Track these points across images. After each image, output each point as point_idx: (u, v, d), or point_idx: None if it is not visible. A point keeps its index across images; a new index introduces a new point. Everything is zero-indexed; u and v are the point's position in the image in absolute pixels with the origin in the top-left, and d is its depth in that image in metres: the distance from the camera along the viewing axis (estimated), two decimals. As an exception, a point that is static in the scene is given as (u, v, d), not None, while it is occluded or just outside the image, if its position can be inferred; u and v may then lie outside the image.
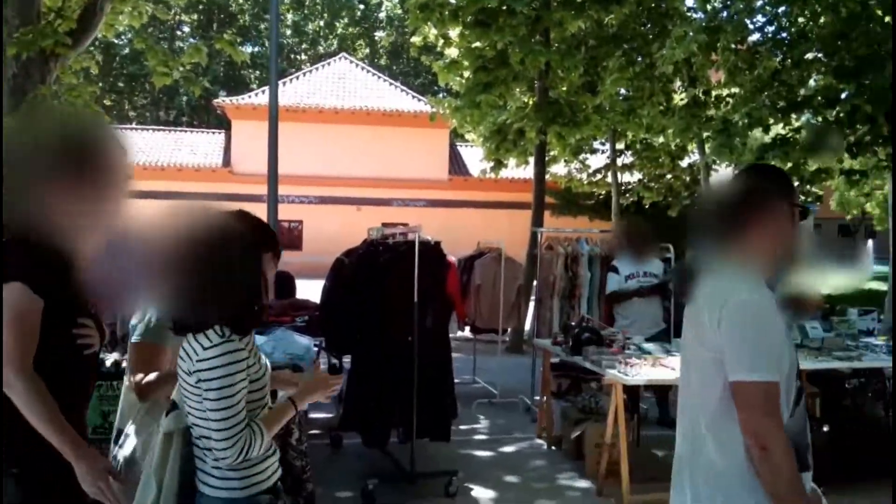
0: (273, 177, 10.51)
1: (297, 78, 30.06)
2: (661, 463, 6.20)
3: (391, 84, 30.39)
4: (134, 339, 2.81)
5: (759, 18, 11.56)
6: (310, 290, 7.74)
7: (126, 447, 2.61)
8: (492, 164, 12.54)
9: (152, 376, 2.71)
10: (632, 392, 6.24)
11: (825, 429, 5.41)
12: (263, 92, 25.14)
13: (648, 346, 6.01)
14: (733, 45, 11.17)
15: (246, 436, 2.18)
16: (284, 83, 27.88)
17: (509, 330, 10.43)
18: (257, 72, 41.46)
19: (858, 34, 10.10)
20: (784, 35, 11.08)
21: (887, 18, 10.33)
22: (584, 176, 17.07)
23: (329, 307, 6.23)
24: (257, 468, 2.29)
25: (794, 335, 5.93)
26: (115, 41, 32.11)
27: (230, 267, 2.22)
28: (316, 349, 5.81)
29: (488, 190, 25.53)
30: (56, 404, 2.19)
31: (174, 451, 2.29)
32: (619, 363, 5.36)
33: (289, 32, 44.12)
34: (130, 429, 2.65)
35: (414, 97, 28.40)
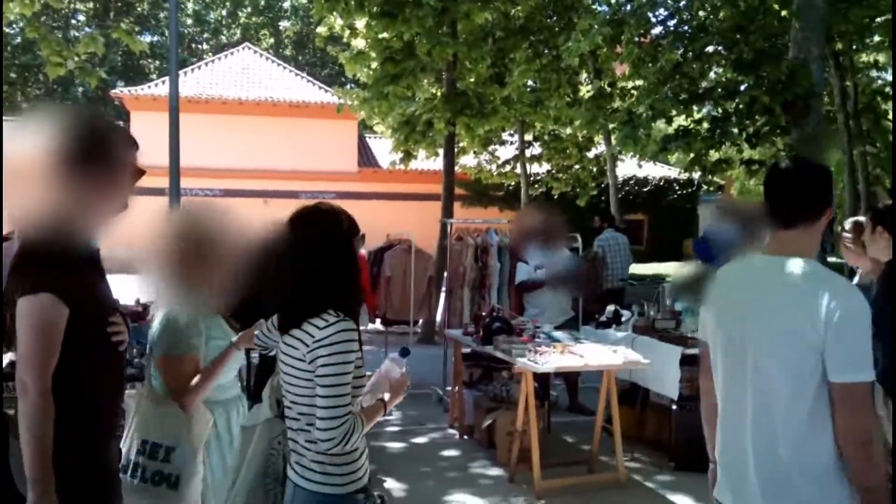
0: (175, 170, 10.19)
1: (199, 68, 29.22)
2: (571, 449, 6.29)
3: (297, 75, 29.88)
4: (167, 352, 2.80)
5: (662, 12, 11.82)
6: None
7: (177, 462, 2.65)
8: (401, 155, 12.44)
9: (195, 387, 2.76)
10: (542, 380, 6.29)
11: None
12: (164, 82, 24.34)
13: (557, 334, 6.06)
14: (636, 38, 11.39)
15: (350, 422, 2.17)
16: (185, 73, 27.06)
17: (421, 321, 10.39)
18: (157, 62, 40.13)
19: (756, 28, 10.44)
20: (685, 28, 11.34)
21: (784, 12, 10.72)
22: (494, 167, 17.15)
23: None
24: (356, 464, 2.28)
25: (696, 320, 6.09)
26: (7, 30, 30.50)
27: (344, 254, 2.34)
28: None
29: (398, 182, 25.40)
30: (51, 436, 2.10)
31: (254, 445, 2.40)
32: (529, 352, 5.39)
33: (189, 21, 42.86)
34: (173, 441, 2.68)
35: (321, 88, 28.01)
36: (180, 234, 2.68)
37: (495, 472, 5.75)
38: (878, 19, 15.44)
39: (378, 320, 8.79)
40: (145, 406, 2.77)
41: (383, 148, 21.44)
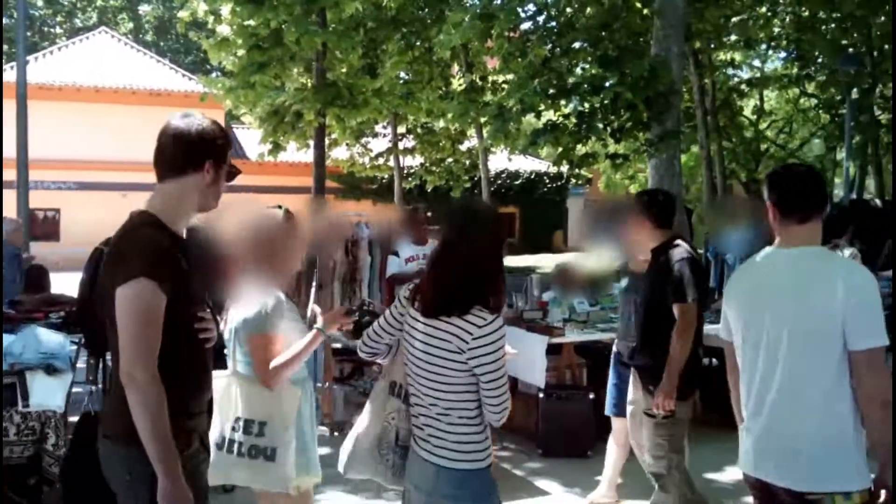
0: (23, 161, 9.56)
1: (52, 53, 27.60)
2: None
3: (158, 61, 28.68)
4: (255, 331, 2.92)
5: (531, 7, 12.03)
6: (69, 284, 7.08)
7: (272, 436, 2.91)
8: (269, 146, 12.12)
9: (281, 363, 2.91)
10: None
11: (591, 396, 5.70)
12: (11, 68, 22.81)
13: (428, 326, 6.03)
14: (507, 33, 11.55)
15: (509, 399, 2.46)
16: (36, 59, 25.52)
17: (292, 317, 10.13)
18: (4, 46, 37.55)
19: (620, 26, 10.78)
20: (553, 24, 11.58)
21: (646, 11, 11.10)
22: (367, 160, 17.02)
23: (87, 302, 5.69)
24: (488, 441, 2.50)
25: (562, 310, 6.22)
26: None
27: (500, 254, 2.55)
28: (74, 347, 5.31)
29: (267, 174, 24.75)
30: (167, 415, 2.15)
31: (373, 417, 2.63)
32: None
33: (40, 3, 40.31)
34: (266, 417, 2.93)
35: (184, 76, 26.98)
36: (269, 230, 3.01)
37: (367, 468, 5.69)
38: (734, 19, 16.34)
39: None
40: (235, 386, 2.97)
41: (252, 139, 20.88)
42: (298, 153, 13.79)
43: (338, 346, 6.77)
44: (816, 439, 2.44)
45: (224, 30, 11.50)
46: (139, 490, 2.21)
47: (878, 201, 18.94)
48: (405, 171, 17.55)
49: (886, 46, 17.40)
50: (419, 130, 16.47)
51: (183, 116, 2.45)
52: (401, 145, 16.83)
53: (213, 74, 13.91)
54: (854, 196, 21.00)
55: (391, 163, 16.92)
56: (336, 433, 6.46)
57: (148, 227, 2.24)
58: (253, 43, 10.74)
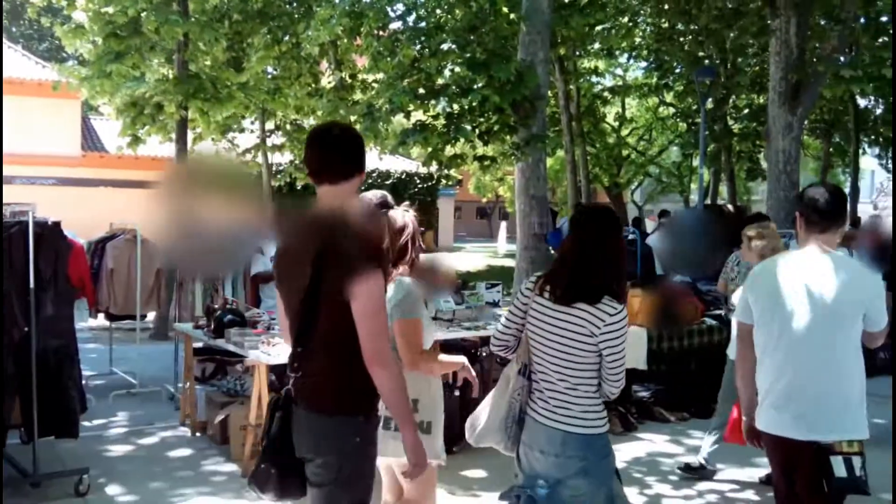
0: None
1: None
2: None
3: (10, 47, 26.88)
4: (404, 316, 3.10)
5: (400, 7, 12.04)
6: None
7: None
8: (129, 139, 11.56)
9: (431, 355, 3.27)
10: (280, 372, 6.17)
11: (456, 393, 5.74)
12: None
13: (294, 325, 5.95)
14: (375, 32, 11.51)
15: None
16: None
17: (154, 316, 9.80)
18: None
19: (488, 29, 10.96)
20: (422, 25, 11.63)
21: (513, 16, 11.34)
22: (234, 155, 16.52)
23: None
24: (605, 410, 2.93)
25: (430, 308, 6.25)
26: None
27: (622, 251, 2.97)
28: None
29: (128, 168, 23.65)
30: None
31: (510, 390, 2.97)
32: (263, 343, 5.27)
33: None
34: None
35: (38, 63, 25.40)
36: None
37: (229, 468, 5.55)
38: (598, 28, 16.94)
39: (101, 315, 8.12)
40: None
41: (111, 131, 19.88)
42: (161, 147, 13.23)
43: (199, 345, 6.55)
44: (841, 398, 3.16)
45: (79, 16, 10.89)
46: (337, 450, 2.55)
47: (730, 206, 20.14)
48: (274, 168, 17.17)
49: (739, 59, 18.52)
50: (288, 127, 16.13)
51: (334, 126, 2.92)
52: (269, 142, 16.44)
53: (71, 63, 13.13)
54: (708, 201, 22.26)
55: (259, 159, 16.50)
56: (198, 433, 6.28)
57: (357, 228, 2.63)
58: (110, 31, 10.20)
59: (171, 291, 8.18)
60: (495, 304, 7.00)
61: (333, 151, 2.66)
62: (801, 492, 3.23)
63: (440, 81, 11.46)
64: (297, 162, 16.70)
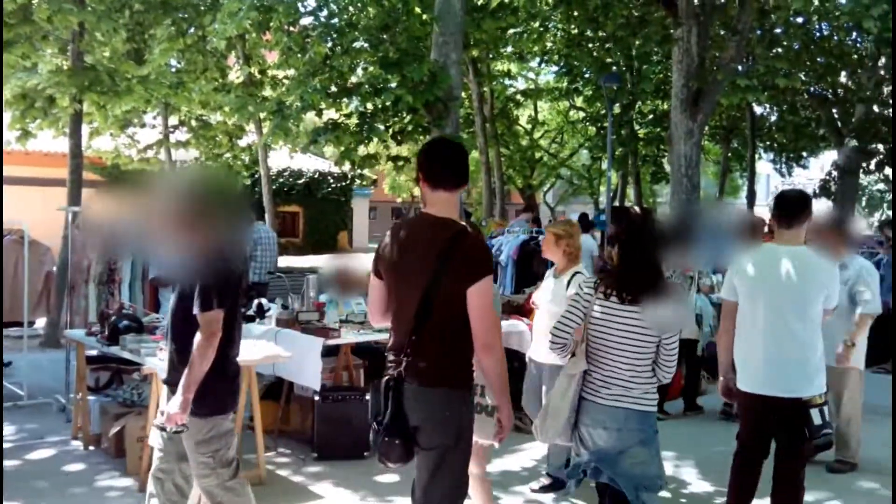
0: None
1: None
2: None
3: None
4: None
5: (311, 2, 11.78)
6: None
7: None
8: (17, 133, 10.88)
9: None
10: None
11: (367, 396, 5.64)
12: None
13: (197, 330, 5.71)
14: (286, 27, 11.24)
15: None
16: None
17: (44, 322, 9.28)
18: None
19: (402, 29, 10.84)
20: (335, 22, 11.42)
21: (425, 16, 11.25)
22: (134, 152, 15.85)
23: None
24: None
25: (340, 311, 6.10)
26: None
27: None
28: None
29: (17, 164, 22.47)
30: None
31: (574, 386, 3.41)
32: (161, 350, 4.97)
33: None
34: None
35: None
36: None
37: (125, 482, 5.27)
38: (510, 31, 17.04)
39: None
40: None
41: None
42: (55, 142, 12.56)
43: (92, 352, 6.20)
44: (811, 363, 4.02)
45: (-37, 1, 10.20)
46: (449, 420, 2.99)
47: (636, 208, 20.57)
48: (178, 166, 16.57)
49: (645, 66, 18.95)
50: (193, 123, 15.58)
51: (447, 142, 3.37)
52: (173, 138, 15.85)
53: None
54: (616, 203, 22.75)
55: (162, 156, 15.88)
56: (91, 447, 5.93)
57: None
58: (-5, 18, 9.58)
59: (63, 296, 7.72)
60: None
61: (449, 165, 3.11)
62: (782, 444, 4.09)
63: (353, 80, 11.28)
64: (202, 159, 16.17)
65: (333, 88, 10.81)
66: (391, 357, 3.08)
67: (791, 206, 4.07)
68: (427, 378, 2.97)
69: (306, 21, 11.78)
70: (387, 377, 3.02)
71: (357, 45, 10.93)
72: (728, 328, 4.23)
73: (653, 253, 3.42)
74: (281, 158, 22.07)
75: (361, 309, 6.08)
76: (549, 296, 5.08)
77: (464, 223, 3.08)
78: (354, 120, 10.86)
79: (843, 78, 17.80)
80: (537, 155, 27.54)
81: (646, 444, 3.35)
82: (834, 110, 17.84)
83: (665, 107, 18.39)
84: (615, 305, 3.36)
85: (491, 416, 3.49)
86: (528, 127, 27.65)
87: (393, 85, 10.29)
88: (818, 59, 16.41)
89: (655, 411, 3.44)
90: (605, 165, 20.61)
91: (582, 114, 24.59)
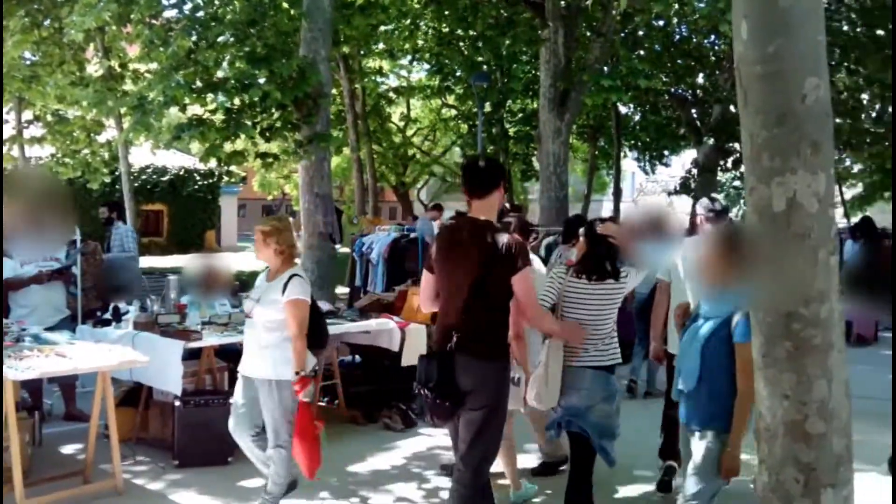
0: None
1: None
2: (67, 461, 5.69)
3: None
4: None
5: (174, -5, 11.36)
6: None
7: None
8: None
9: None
10: (33, 388, 5.76)
11: (231, 400, 5.52)
12: None
13: (48, 335, 5.46)
14: (147, 19, 10.85)
15: None
16: None
17: None
18: None
19: (269, 24, 10.64)
20: (199, 15, 11.09)
21: (293, 11, 11.10)
22: (-18, 149, 14.90)
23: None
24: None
25: (202, 313, 5.98)
26: None
27: None
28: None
29: None
30: None
31: (561, 354, 4.09)
32: (10, 357, 4.74)
33: None
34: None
35: None
36: None
37: None
38: (381, 28, 17.05)
39: None
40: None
41: None
42: None
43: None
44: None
45: None
46: (493, 385, 3.67)
47: (507, 205, 21.01)
48: (33, 162, 15.69)
49: (515, 66, 19.38)
50: (49, 118, 14.78)
51: (475, 158, 4.40)
52: (27, 133, 14.98)
53: None
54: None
55: (15, 152, 14.99)
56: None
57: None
58: None
59: None
60: (275, 306, 6.81)
61: (480, 177, 3.81)
62: None
63: (219, 75, 10.99)
64: (59, 156, 15.36)
65: (198, 83, 10.49)
66: (440, 335, 3.75)
67: (719, 208, 4.86)
68: (477, 352, 3.62)
69: (169, 14, 11.40)
70: (439, 350, 3.72)
71: (222, 39, 10.63)
72: (663, 301, 5.03)
73: (609, 246, 4.08)
74: (144, 155, 21.21)
75: (225, 310, 5.98)
76: (259, 305, 4.48)
77: (499, 225, 3.86)
78: (220, 116, 10.59)
79: (700, 79, 18.74)
80: (410, 152, 27.70)
81: (608, 401, 4.05)
82: (693, 110, 18.74)
83: (534, 106, 18.86)
84: (585, 284, 4.05)
85: (517, 385, 4.11)
86: (401, 124, 27.75)
87: (261, 81, 10.11)
88: (678, 61, 17.26)
89: (614, 368, 4.12)
90: (476, 163, 20.92)
91: (454, 112, 24.90)
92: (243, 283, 7.13)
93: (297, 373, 4.33)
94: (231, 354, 5.89)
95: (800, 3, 2.33)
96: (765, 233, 2.45)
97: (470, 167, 4.01)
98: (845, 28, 15.92)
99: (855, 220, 16.02)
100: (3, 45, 6.79)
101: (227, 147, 11.17)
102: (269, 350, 4.43)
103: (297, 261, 4.69)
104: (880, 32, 15.56)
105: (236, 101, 10.53)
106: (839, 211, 23.68)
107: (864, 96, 19.24)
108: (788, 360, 2.45)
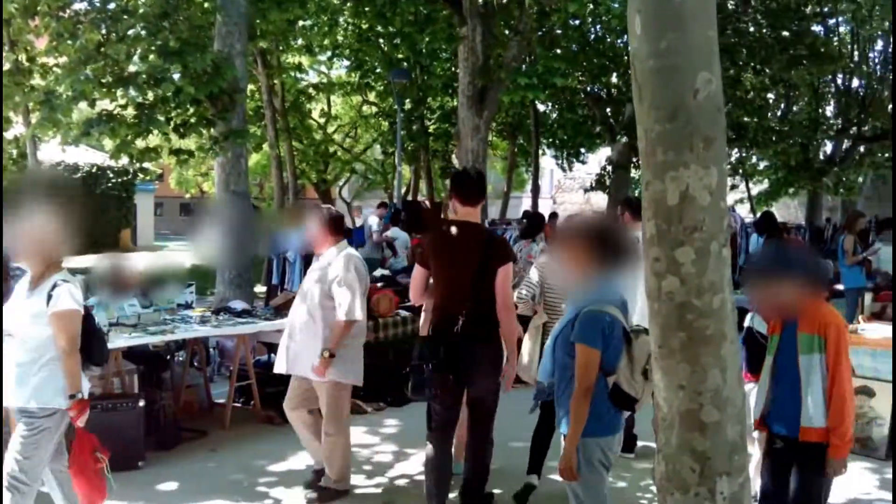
0: None
1: None
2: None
3: None
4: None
5: (80, -14, 10.99)
6: None
7: None
8: None
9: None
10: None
11: (141, 403, 5.41)
12: None
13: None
14: (55, 11, 10.48)
15: None
16: None
17: None
18: None
19: (183, 17, 10.41)
20: (110, 7, 10.76)
21: (207, 4, 10.88)
22: None
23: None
24: None
25: (110, 314, 5.82)
26: None
27: None
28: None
29: None
30: None
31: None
32: None
33: None
34: None
35: None
36: None
37: None
38: (300, 24, 16.85)
39: None
40: None
41: None
42: None
43: None
44: None
45: None
46: (492, 367, 4.32)
47: (427, 202, 21.14)
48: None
49: (434, 63, 19.43)
50: (-52, 114, 14.10)
51: (465, 170, 4.81)
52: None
53: None
54: (409, 198, 23.21)
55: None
56: None
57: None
58: None
59: None
60: (188, 306, 6.69)
61: (473, 188, 4.42)
62: None
63: (131, 69, 10.69)
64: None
65: (108, 78, 10.19)
66: (442, 320, 4.24)
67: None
68: (479, 337, 4.22)
69: (78, 6, 11.02)
70: (441, 335, 4.21)
71: (133, 32, 10.35)
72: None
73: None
74: (55, 151, 20.42)
75: (134, 310, 5.83)
76: (14, 321, 3.77)
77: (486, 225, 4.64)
78: (131, 111, 10.32)
79: (615, 79, 19.12)
80: (331, 149, 27.47)
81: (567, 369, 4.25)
82: (608, 109, 19.11)
83: (453, 103, 18.96)
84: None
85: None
86: (322, 121, 27.49)
87: (176, 76, 9.89)
88: (593, 61, 17.57)
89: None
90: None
91: (374, 108, 24.81)
92: (152, 283, 6.96)
93: (71, 396, 3.68)
94: (141, 356, 5.76)
95: (692, -1, 2.38)
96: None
97: (463, 177, 4.53)
98: (752, 29, 16.47)
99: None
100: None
101: (140, 143, 10.90)
102: (29, 371, 3.70)
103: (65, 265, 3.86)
104: (785, 34, 16.19)
105: (149, 95, 10.29)
106: (746, 206, 24.63)
107: (770, 95, 19.99)
108: (683, 351, 2.50)
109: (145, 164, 12.21)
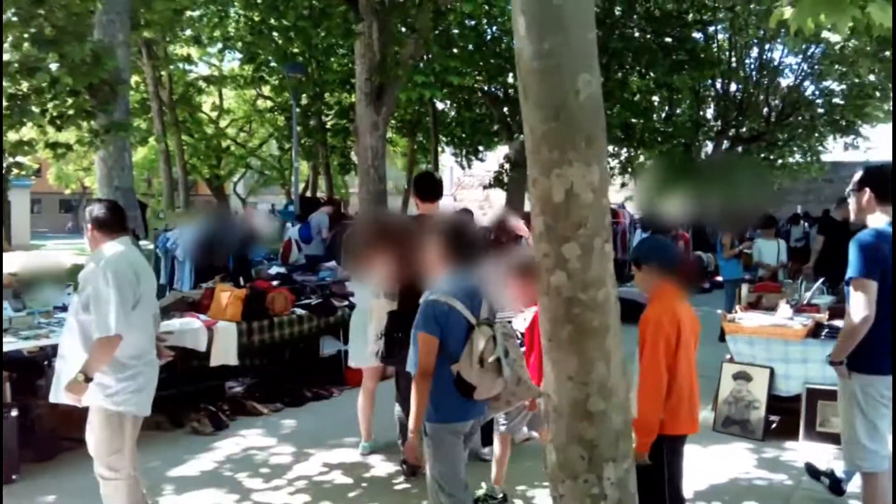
0: None
1: None
2: None
3: None
4: None
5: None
6: None
7: None
8: None
9: None
10: None
11: (14, 413, 5.11)
12: None
13: None
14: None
15: None
16: None
17: None
18: None
19: (60, 4, 9.91)
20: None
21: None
22: None
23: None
24: None
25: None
26: None
27: None
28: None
29: None
30: None
31: None
32: None
33: None
34: None
35: None
36: None
37: None
38: (187, 14, 16.30)
39: None
40: None
41: None
42: None
43: None
44: None
45: None
46: None
47: (324, 198, 20.88)
48: None
49: (332, 58, 19.18)
50: None
51: (426, 173, 6.56)
52: None
53: None
54: (309, 194, 22.90)
55: None
56: None
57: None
58: None
59: None
60: (65, 309, 6.35)
61: (433, 188, 5.30)
62: None
63: (5, 57, 10.11)
64: None
65: (-24, 68, 9.62)
66: (409, 296, 4.37)
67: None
68: None
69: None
70: (410, 309, 3.85)
71: (4, 18, 9.81)
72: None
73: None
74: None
75: (7, 314, 5.49)
76: None
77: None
78: (3, 102, 9.76)
79: (511, 79, 19.38)
80: (224, 144, 26.80)
81: None
82: (505, 108, 19.35)
83: (351, 99, 18.79)
84: None
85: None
86: (213, 115, 26.78)
87: (53, 66, 9.41)
88: (490, 61, 17.74)
89: None
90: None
91: (270, 103, 24.34)
92: (26, 285, 6.60)
93: None
94: (14, 364, 5.42)
95: (572, 2, 2.43)
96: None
97: (425, 179, 5.49)
98: (637, 34, 17.03)
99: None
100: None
101: (12, 136, 10.33)
102: None
103: None
104: (668, 39, 16.81)
105: (23, 85, 9.76)
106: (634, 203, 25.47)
107: (655, 98, 20.73)
108: (570, 343, 2.57)
109: (19, 159, 11.60)
